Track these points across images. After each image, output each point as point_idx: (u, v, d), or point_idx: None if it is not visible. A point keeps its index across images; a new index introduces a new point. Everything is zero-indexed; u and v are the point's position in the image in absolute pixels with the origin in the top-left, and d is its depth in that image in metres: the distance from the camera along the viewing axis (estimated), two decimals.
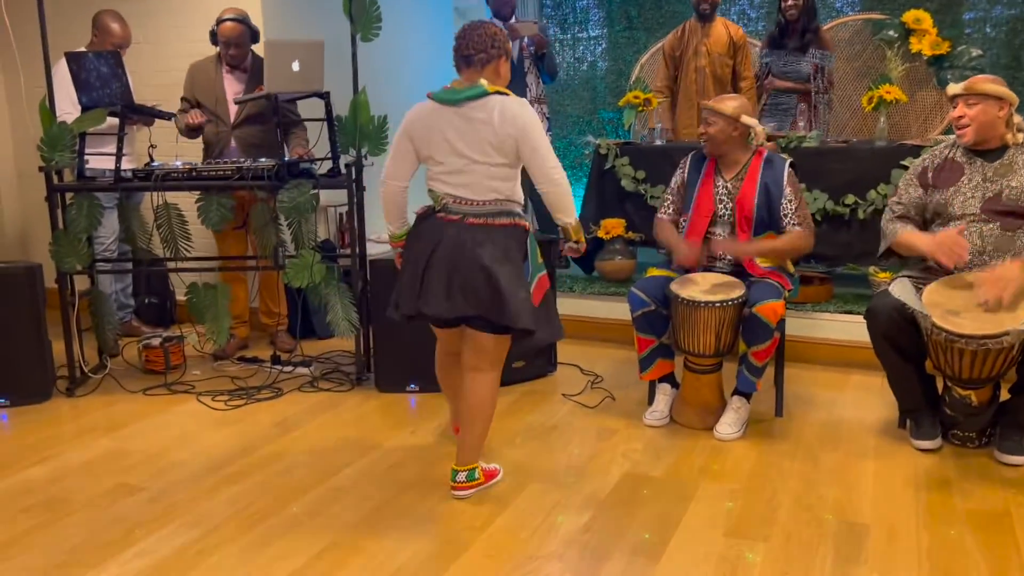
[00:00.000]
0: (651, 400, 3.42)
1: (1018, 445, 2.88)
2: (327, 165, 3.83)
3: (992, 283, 2.71)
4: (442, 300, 2.53)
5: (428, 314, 2.59)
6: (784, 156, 3.37)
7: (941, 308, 2.76)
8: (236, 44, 3.94)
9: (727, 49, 4.82)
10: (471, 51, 2.56)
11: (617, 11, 6.37)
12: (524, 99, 2.61)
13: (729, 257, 3.29)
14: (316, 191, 3.64)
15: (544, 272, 2.66)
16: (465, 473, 2.68)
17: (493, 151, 2.52)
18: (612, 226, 4.74)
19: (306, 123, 4.08)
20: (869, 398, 3.57)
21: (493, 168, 2.54)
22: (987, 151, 2.95)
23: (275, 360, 4.09)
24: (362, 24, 3.67)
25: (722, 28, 4.86)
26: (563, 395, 3.66)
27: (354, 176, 3.75)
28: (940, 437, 3.03)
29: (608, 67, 6.53)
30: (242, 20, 3.97)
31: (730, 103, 3.23)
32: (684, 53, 4.92)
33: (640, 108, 4.87)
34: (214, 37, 4.02)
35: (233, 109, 4.05)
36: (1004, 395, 2.96)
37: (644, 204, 4.77)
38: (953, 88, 2.97)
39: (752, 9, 6.01)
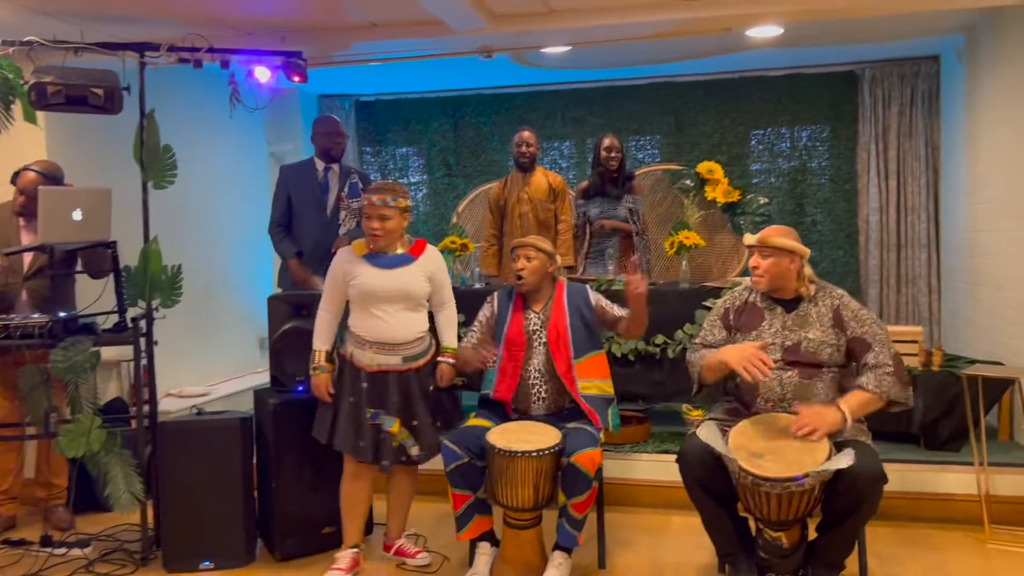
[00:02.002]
0: (472, 560, 3.22)
1: None
2: (114, 319, 3.50)
3: (812, 417, 2.77)
4: None
5: None
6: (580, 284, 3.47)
7: (746, 450, 2.78)
8: (30, 195, 3.63)
9: (548, 196, 4.99)
10: None
11: (436, 159, 6.52)
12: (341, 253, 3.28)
13: (544, 396, 3.25)
14: (97, 348, 3.30)
15: None
16: None
17: None
18: None
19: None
20: (690, 540, 3.53)
21: None
22: (784, 300, 3.08)
23: (46, 541, 3.55)
24: (154, 171, 3.47)
25: (542, 177, 5.04)
26: (395, 562, 3.39)
27: (143, 330, 3.45)
28: None
29: (430, 211, 6.60)
30: (43, 173, 3.70)
31: (545, 242, 3.38)
32: (508, 201, 5.04)
33: (458, 253, 4.88)
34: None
35: (27, 259, 3.70)
36: (812, 534, 2.99)
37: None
38: (748, 239, 3.11)
39: (563, 159, 6.31)
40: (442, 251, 4.93)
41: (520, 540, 3.10)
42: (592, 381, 3.24)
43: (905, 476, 3.74)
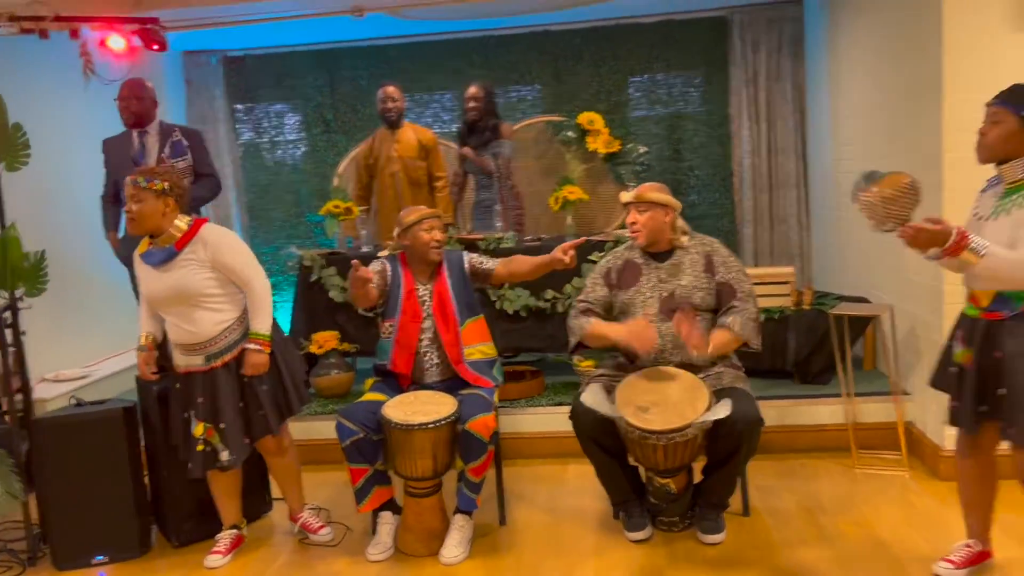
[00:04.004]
0: (375, 530, 3.25)
1: (715, 524, 3.09)
2: None
3: (684, 323, 2.90)
4: None
5: None
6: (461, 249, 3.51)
7: (632, 405, 2.90)
8: None
9: (418, 153, 4.93)
10: None
11: (313, 115, 6.30)
12: None
13: (437, 362, 3.28)
14: None
15: None
16: None
17: None
18: (325, 340, 4.56)
19: None
20: (586, 488, 3.65)
21: None
22: (660, 253, 3.21)
23: None
24: (4, 152, 3.23)
25: (411, 133, 4.96)
26: (299, 536, 3.38)
27: (8, 321, 3.25)
28: (650, 525, 3.17)
29: (311, 170, 6.41)
30: None
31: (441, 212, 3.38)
32: (377, 161, 4.95)
33: (341, 217, 4.79)
34: None
35: None
36: (699, 477, 3.16)
37: (356, 314, 4.66)
38: (625, 196, 3.22)
39: (445, 112, 6.23)
40: (325, 215, 4.87)
41: (421, 508, 3.15)
42: (475, 346, 3.31)
43: (781, 411, 3.99)
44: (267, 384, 3.11)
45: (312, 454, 4.14)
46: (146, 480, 3.42)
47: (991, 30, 3.34)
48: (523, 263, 3.33)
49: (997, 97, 2.47)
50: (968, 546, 2.75)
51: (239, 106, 6.39)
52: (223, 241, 3.03)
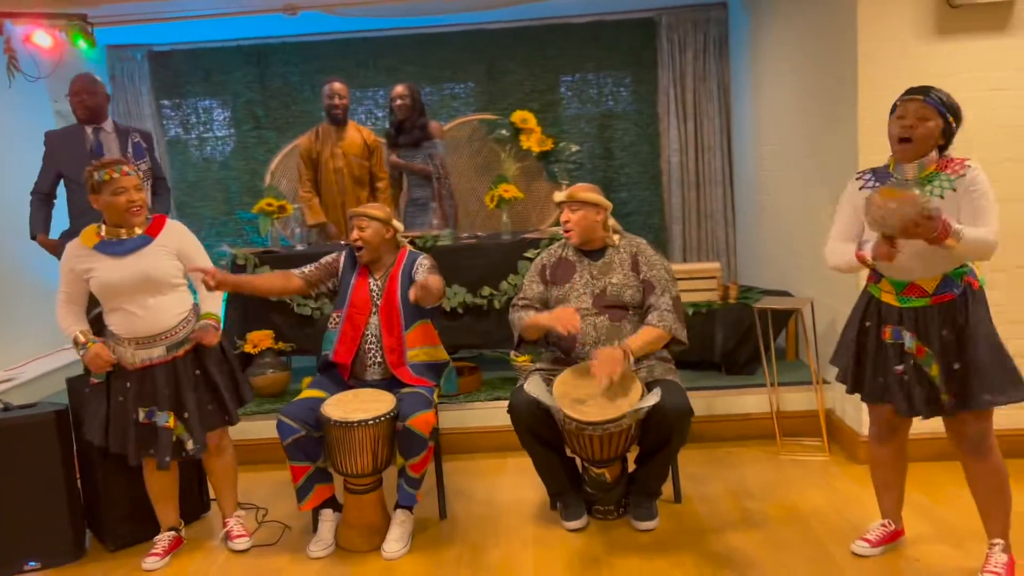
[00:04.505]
0: (316, 528, 3.27)
1: (648, 511, 3.21)
2: None
3: (602, 365, 2.98)
4: None
5: None
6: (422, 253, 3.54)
7: (569, 398, 3.00)
8: None
9: (362, 151, 4.94)
10: None
11: (242, 111, 6.22)
12: None
13: (380, 361, 3.32)
14: None
15: None
16: None
17: None
18: (260, 339, 4.53)
19: None
20: (525, 481, 3.74)
21: None
22: (592, 251, 3.31)
23: None
24: None
25: (355, 132, 4.97)
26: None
27: None
28: (586, 514, 3.28)
29: (241, 167, 6.33)
30: None
31: (378, 209, 3.39)
32: (321, 155, 4.94)
33: (275, 215, 4.76)
34: None
35: None
36: (632, 467, 3.28)
37: (292, 312, 4.64)
38: (558, 196, 3.32)
39: (378, 109, 6.22)
40: (258, 213, 4.84)
41: (362, 504, 3.18)
42: (420, 348, 3.34)
43: (710, 402, 4.14)
44: (223, 373, 3.18)
45: (248, 454, 4.11)
46: (79, 484, 3.37)
47: (903, 38, 3.54)
48: (433, 289, 3.12)
49: (926, 95, 2.48)
50: (883, 525, 2.93)
51: (165, 102, 6.27)
52: (187, 232, 3.18)
